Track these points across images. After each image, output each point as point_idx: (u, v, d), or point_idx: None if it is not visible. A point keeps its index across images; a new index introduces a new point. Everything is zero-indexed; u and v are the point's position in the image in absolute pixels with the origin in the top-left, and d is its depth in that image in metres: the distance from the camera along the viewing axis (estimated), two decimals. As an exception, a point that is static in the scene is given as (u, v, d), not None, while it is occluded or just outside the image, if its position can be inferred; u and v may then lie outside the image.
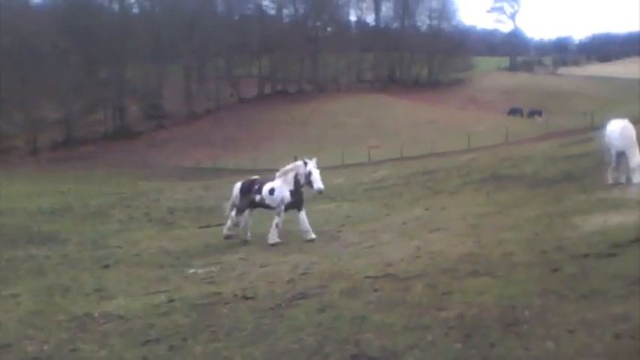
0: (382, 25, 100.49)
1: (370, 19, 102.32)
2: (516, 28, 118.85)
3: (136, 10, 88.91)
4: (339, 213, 16.42)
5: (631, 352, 4.27)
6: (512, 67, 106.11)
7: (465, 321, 5.36)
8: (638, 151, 12.16)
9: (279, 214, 12.34)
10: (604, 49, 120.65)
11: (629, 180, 12.29)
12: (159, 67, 78.27)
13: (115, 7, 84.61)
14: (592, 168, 15.58)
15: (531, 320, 5.14)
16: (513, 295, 5.87)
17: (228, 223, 13.33)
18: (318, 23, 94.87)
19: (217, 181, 33.70)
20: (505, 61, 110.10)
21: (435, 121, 64.51)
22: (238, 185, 13.44)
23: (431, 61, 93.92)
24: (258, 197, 12.80)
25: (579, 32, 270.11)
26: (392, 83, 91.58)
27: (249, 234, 13.18)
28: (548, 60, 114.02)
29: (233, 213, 13.25)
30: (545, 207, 11.61)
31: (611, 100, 67.80)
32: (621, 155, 12.59)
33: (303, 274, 8.63)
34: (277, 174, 12.73)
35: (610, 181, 13.01)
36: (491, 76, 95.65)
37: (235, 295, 7.62)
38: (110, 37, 72.08)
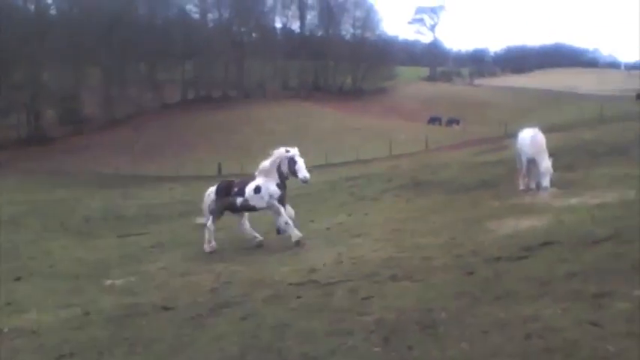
0: (307, 32, 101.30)
1: (295, 26, 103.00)
2: (436, 39, 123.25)
3: (53, 12, 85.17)
4: (263, 220, 16.32)
5: (540, 350, 4.46)
6: (432, 77, 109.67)
7: (385, 325, 5.46)
8: (547, 157, 12.85)
9: (278, 213, 11.29)
10: (518, 61, 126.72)
11: (539, 184, 12.95)
12: (77, 70, 75.29)
13: (31, 7, 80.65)
14: (505, 175, 16.29)
15: (448, 322, 5.30)
16: (431, 298, 6.04)
17: (207, 235, 11.85)
18: (243, 29, 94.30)
19: (138, 189, 32.85)
20: (425, 71, 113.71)
21: (358, 129, 65.50)
22: (213, 189, 12.24)
23: (355, 69, 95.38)
24: (240, 200, 11.58)
25: (495, 44, 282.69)
26: (317, 91, 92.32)
27: (256, 235, 12.06)
28: (465, 71, 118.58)
29: (210, 223, 11.91)
30: (462, 212, 12.06)
31: (525, 109, 71.14)
32: (532, 162, 13.26)
33: (226, 282, 8.54)
34: (256, 173, 11.81)
35: (521, 187, 13.68)
36: (412, 85, 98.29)
37: (154, 306, 7.44)
38: (25, 38, 68.62)
